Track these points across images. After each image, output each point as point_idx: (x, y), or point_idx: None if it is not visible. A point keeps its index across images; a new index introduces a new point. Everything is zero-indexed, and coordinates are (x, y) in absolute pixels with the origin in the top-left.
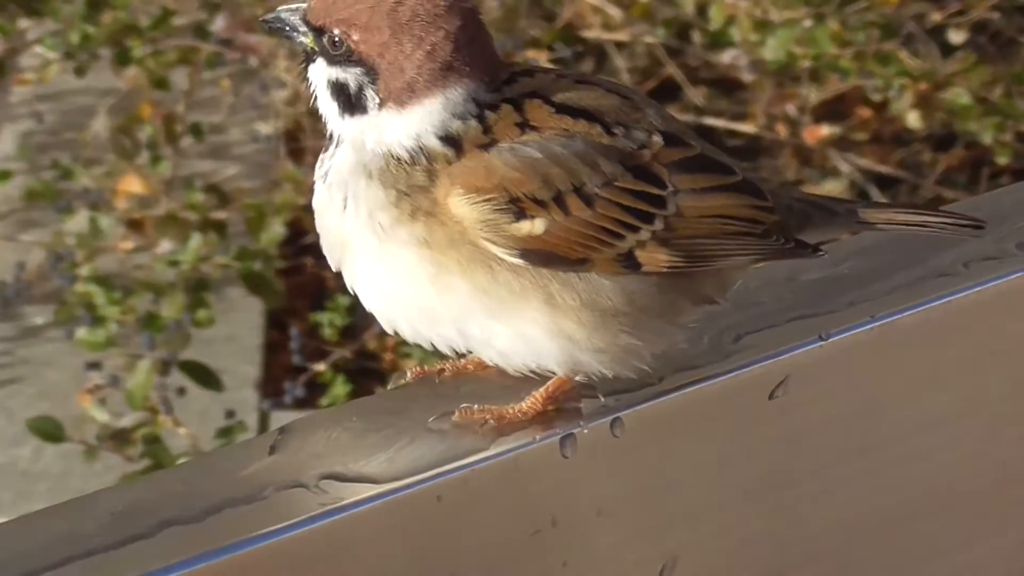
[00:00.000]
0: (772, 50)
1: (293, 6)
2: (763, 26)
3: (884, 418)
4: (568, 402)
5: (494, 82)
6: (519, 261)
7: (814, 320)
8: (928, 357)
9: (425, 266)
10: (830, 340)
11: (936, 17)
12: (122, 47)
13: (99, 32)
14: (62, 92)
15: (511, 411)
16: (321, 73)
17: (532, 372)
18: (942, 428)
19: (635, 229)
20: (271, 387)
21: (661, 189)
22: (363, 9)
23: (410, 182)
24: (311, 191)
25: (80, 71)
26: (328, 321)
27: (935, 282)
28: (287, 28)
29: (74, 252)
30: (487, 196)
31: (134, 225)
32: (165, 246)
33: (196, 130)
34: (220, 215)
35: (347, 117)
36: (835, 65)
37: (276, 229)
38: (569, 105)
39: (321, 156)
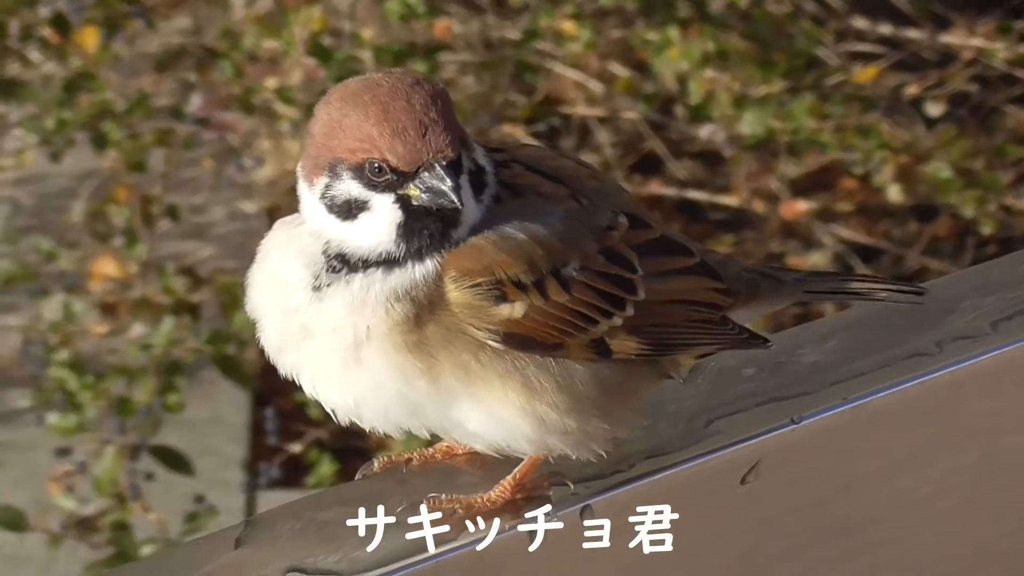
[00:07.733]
0: (749, 125)
1: (431, 178)
2: (741, 101)
3: (858, 500)
4: (537, 490)
5: None
6: (500, 345)
7: (785, 403)
8: (902, 438)
9: (415, 364)
10: (802, 423)
11: (913, 90)
12: (98, 131)
13: (75, 117)
14: (44, 174)
15: (480, 500)
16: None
17: (498, 453)
18: (916, 510)
19: (608, 315)
20: (258, 466)
21: (632, 272)
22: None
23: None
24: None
25: (56, 157)
26: (313, 399)
27: (908, 363)
28: (442, 196)
29: (48, 337)
30: (476, 280)
31: (108, 309)
32: (138, 330)
33: (173, 212)
34: (195, 297)
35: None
36: (814, 139)
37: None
38: (537, 168)
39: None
